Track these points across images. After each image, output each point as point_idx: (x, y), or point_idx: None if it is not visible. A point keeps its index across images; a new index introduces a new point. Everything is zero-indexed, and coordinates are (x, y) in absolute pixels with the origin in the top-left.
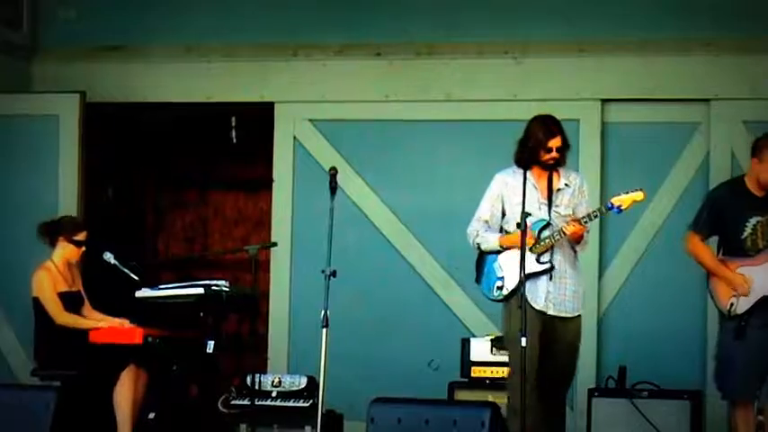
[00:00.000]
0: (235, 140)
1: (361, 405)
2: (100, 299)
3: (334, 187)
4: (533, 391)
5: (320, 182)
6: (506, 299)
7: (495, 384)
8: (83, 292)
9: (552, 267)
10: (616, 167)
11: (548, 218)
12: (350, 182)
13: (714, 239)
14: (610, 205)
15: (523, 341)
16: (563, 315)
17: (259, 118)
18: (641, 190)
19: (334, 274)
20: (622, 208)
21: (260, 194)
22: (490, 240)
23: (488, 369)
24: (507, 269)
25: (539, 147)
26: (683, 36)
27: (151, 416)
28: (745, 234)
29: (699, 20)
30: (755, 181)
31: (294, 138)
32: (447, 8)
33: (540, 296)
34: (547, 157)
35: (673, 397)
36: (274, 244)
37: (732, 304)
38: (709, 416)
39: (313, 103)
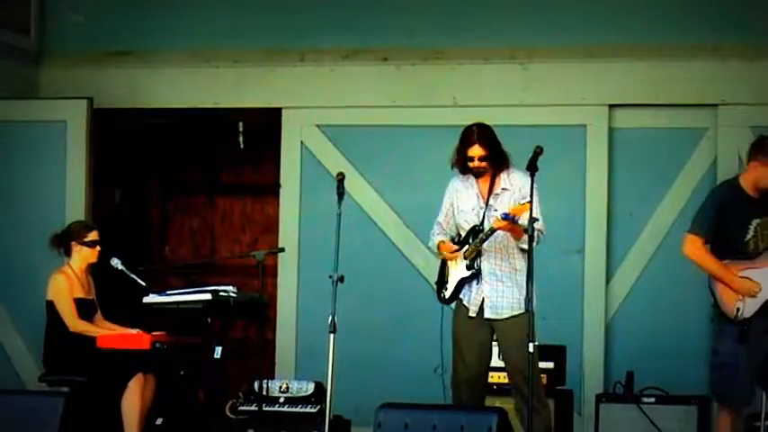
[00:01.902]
0: (242, 146)
1: (368, 410)
2: (107, 305)
3: (341, 192)
4: (472, 389)
5: (327, 187)
6: (448, 302)
7: (502, 389)
8: (96, 301)
9: (479, 272)
10: (623, 173)
11: (479, 222)
12: (357, 187)
13: None
14: (505, 214)
15: (531, 347)
16: (500, 317)
17: (266, 123)
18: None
19: (341, 279)
20: (516, 217)
21: (267, 200)
22: (433, 243)
23: (495, 374)
24: (451, 274)
25: (462, 156)
26: (690, 41)
27: (159, 421)
28: (748, 237)
29: (705, 25)
30: (752, 183)
31: (301, 143)
32: (454, 13)
33: (475, 302)
34: (471, 165)
35: (680, 402)
36: (282, 249)
37: (738, 309)
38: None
39: (320, 108)
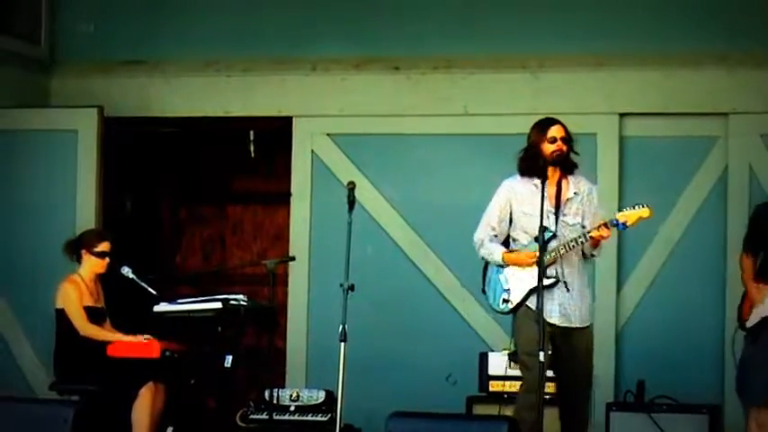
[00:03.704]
0: (253, 155)
1: (378, 419)
2: (118, 313)
3: (351, 201)
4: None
5: (338, 196)
6: (513, 311)
7: (512, 399)
8: (105, 310)
9: (558, 281)
10: (634, 181)
11: (554, 229)
12: (367, 196)
13: None
14: (615, 221)
15: (541, 356)
16: (576, 326)
17: (277, 132)
18: (648, 206)
19: (352, 287)
20: (627, 224)
21: (278, 208)
22: (495, 254)
23: (506, 383)
24: (513, 281)
25: (541, 141)
26: (700, 50)
27: (169, 430)
28: None
29: (715, 34)
30: None
31: (312, 152)
32: (465, 22)
33: (555, 309)
34: (552, 148)
35: (691, 411)
36: (292, 258)
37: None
38: (728, 430)
39: (331, 117)
